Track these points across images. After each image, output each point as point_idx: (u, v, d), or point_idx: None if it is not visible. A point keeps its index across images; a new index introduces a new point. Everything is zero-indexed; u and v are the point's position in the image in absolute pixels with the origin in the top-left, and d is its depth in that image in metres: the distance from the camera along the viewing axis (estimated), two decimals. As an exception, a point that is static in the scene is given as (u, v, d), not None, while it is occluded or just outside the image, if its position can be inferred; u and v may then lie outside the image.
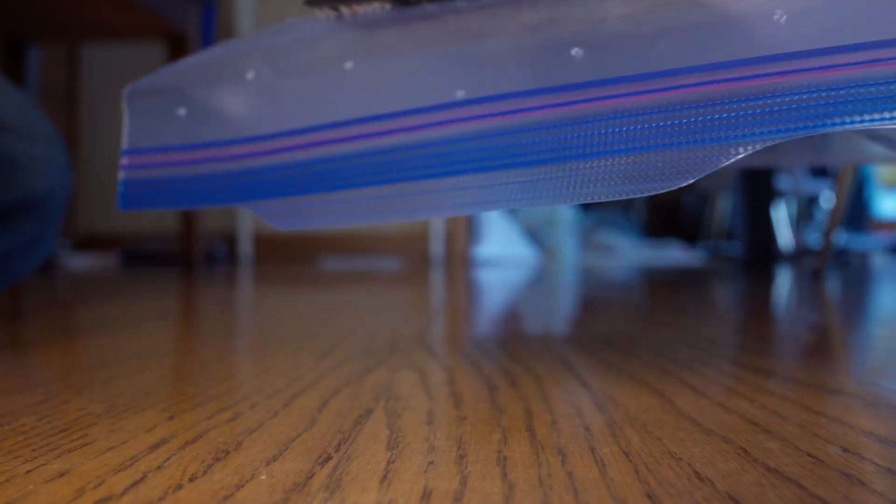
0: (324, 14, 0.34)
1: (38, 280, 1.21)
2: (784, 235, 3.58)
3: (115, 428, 0.24)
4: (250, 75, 0.34)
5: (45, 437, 0.23)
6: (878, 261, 2.19)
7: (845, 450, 0.21)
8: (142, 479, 0.19)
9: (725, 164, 0.22)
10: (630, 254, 2.99)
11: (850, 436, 0.23)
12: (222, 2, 2.37)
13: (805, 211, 4.20)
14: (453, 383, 0.32)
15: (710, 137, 0.22)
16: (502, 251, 2.39)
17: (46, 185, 0.46)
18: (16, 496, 0.18)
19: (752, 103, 0.22)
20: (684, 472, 0.19)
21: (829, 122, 0.21)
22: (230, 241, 2.32)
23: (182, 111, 0.35)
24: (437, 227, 2.34)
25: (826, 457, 0.21)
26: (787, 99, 0.22)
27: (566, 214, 2.74)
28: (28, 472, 0.19)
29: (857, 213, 4.77)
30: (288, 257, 2.34)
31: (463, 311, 0.68)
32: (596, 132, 0.24)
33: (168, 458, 0.21)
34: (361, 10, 0.32)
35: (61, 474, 0.19)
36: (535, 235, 2.71)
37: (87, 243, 2.28)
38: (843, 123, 0.21)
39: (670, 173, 0.23)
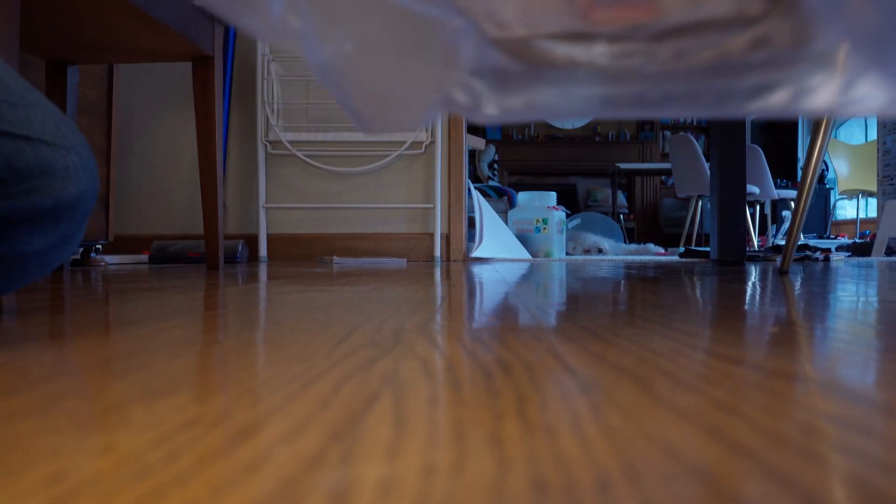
0: None
1: (77, 277, 1.21)
2: (754, 237, 3.58)
3: (150, 409, 0.24)
4: None
5: (89, 417, 0.23)
6: (839, 259, 2.19)
7: (804, 429, 0.22)
8: (175, 453, 0.19)
9: None
10: (615, 255, 2.99)
11: (808, 416, 0.23)
12: (243, 25, 2.36)
13: (773, 215, 4.19)
14: (453, 371, 0.32)
15: None
16: (498, 252, 2.39)
17: (78, 190, 0.47)
18: (64, 468, 0.18)
19: None
20: (660, 448, 0.20)
21: None
22: (249, 241, 2.33)
23: None
24: (439, 231, 2.34)
25: (787, 434, 0.21)
26: None
27: (556, 219, 2.74)
28: (75, 447, 0.20)
29: (822, 217, 4.78)
30: (302, 257, 2.35)
31: (462, 305, 0.68)
32: None
33: (198, 436, 0.21)
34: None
35: (104, 449, 0.20)
36: (528, 238, 2.71)
37: (119, 245, 2.29)
38: None
39: None
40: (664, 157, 5.90)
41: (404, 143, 2.32)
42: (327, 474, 0.18)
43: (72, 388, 0.28)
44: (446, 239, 2.36)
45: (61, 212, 0.47)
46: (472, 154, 3.74)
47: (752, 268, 1.59)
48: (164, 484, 0.17)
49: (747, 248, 2.88)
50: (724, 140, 1.82)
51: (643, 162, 5.85)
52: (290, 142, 2.33)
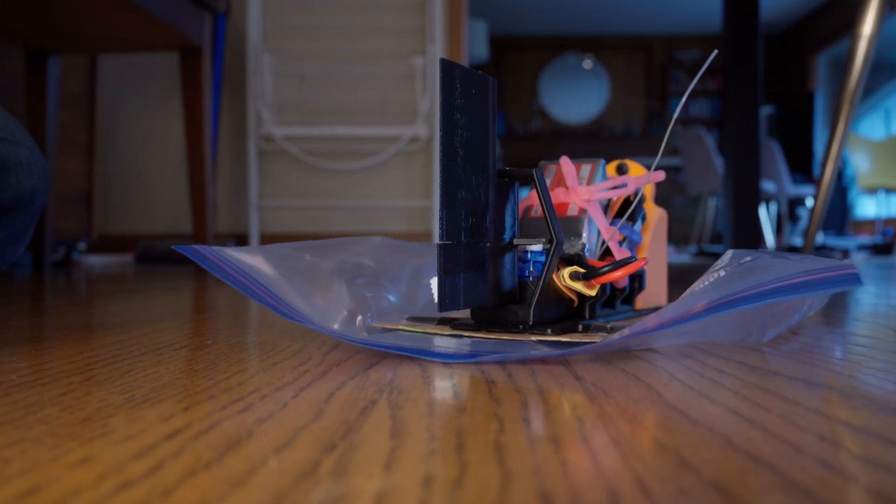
0: None
1: (58, 279, 1.21)
2: (769, 236, 3.57)
3: (133, 418, 0.24)
4: None
5: (68, 427, 0.23)
6: (858, 259, 2.19)
7: (822, 439, 0.22)
8: (159, 465, 0.19)
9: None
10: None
11: (827, 425, 0.23)
12: (232, 14, 2.37)
13: (790, 213, 4.19)
14: (453, 377, 0.32)
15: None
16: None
17: (32, 185, 0.50)
18: (41, 482, 0.18)
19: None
20: (671, 459, 0.20)
21: None
22: (240, 241, 2.33)
23: None
24: (437, 230, 2.33)
25: (804, 445, 0.21)
26: None
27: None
28: (52, 459, 0.20)
29: (840, 215, 4.78)
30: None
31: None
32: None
33: (184, 447, 0.21)
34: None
35: (83, 461, 0.19)
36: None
37: (103, 244, 2.28)
38: None
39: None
40: (674, 152, 5.90)
41: (401, 138, 2.32)
42: (321, 487, 0.17)
43: (50, 396, 0.28)
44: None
45: (18, 207, 0.49)
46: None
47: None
48: (147, 498, 0.17)
49: (762, 247, 2.88)
50: (738, 134, 1.81)
51: (652, 157, 5.85)
52: (283, 137, 2.33)
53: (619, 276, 0.40)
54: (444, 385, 0.30)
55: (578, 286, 0.41)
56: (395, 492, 0.17)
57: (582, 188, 0.45)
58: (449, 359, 0.35)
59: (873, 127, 5.39)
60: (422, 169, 2.37)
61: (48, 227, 1.55)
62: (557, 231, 0.40)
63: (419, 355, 0.36)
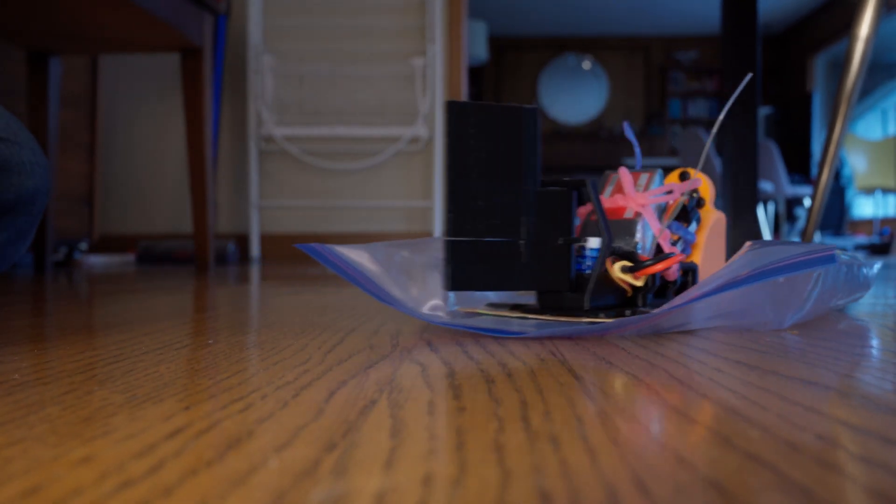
0: None
1: (60, 279, 1.21)
2: (767, 236, 3.57)
3: (135, 417, 0.24)
4: None
5: (69, 426, 0.23)
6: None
7: (820, 438, 0.22)
8: (160, 464, 0.19)
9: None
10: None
11: (825, 425, 0.23)
12: (232, 15, 2.37)
13: (787, 213, 4.19)
14: (453, 376, 0.32)
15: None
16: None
17: (34, 185, 0.50)
18: (42, 480, 0.18)
19: None
20: (669, 458, 0.20)
21: None
22: (241, 241, 2.32)
23: None
24: (439, 229, 2.33)
25: (803, 444, 0.21)
26: None
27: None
28: (54, 458, 0.20)
29: (838, 215, 4.78)
30: (296, 257, 2.34)
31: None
32: None
33: (185, 446, 0.21)
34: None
35: (85, 460, 0.19)
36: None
37: (104, 244, 2.28)
38: None
39: None
40: (673, 152, 5.89)
41: (401, 138, 2.32)
42: (321, 486, 0.17)
43: (51, 395, 0.28)
44: (446, 238, 2.35)
45: (21, 206, 0.50)
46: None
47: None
48: (148, 497, 0.17)
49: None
50: (736, 135, 1.82)
51: (651, 157, 5.85)
52: (284, 137, 2.33)
53: (660, 268, 0.47)
54: (444, 385, 0.30)
55: (628, 277, 0.47)
56: (395, 491, 0.17)
57: (637, 194, 0.51)
58: (520, 335, 0.43)
59: (871, 127, 5.39)
60: (421, 169, 2.37)
61: (50, 227, 1.55)
62: (608, 230, 0.47)
63: (496, 334, 0.44)
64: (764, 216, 3.52)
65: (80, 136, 1.85)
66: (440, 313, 0.50)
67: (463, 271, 0.45)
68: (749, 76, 0.52)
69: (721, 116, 0.53)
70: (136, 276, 1.29)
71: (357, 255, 0.48)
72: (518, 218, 0.46)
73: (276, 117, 2.35)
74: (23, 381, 0.31)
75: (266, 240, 2.35)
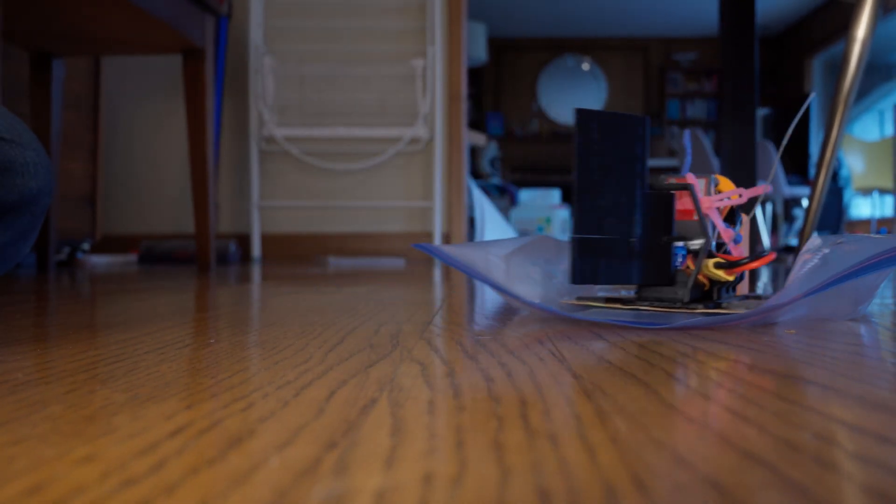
0: None
1: (62, 279, 1.21)
2: (765, 236, 3.57)
3: (137, 416, 0.24)
4: None
5: (72, 425, 0.23)
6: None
7: (817, 436, 0.22)
8: (162, 463, 0.19)
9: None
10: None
11: (822, 423, 0.23)
12: (234, 16, 2.37)
13: (785, 213, 4.19)
14: (453, 375, 0.32)
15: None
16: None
17: (38, 185, 0.51)
18: (45, 479, 0.18)
19: None
20: (668, 456, 0.20)
21: None
22: (242, 241, 2.32)
23: None
24: (438, 230, 2.33)
25: (800, 443, 0.21)
26: None
27: (559, 218, 2.74)
28: (56, 456, 0.20)
29: (835, 216, 4.78)
30: (297, 257, 2.34)
31: (462, 307, 0.68)
32: None
33: (186, 444, 0.21)
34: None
35: (87, 458, 0.19)
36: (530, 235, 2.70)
37: (106, 244, 2.28)
38: None
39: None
40: (671, 153, 5.89)
41: (401, 139, 2.32)
42: (322, 484, 0.17)
43: (54, 394, 0.28)
44: (446, 238, 2.35)
45: (24, 207, 0.50)
46: (473, 151, 3.74)
47: (763, 266, 1.59)
48: (150, 495, 0.17)
49: (759, 247, 2.88)
50: (734, 136, 1.82)
51: (651, 158, 5.85)
52: (285, 138, 2.33)
53: (757, 265, 0.50)
54: (444, 384, 0.30)
55: (721, 273, 0.51)
56: (395, 489, 0.17)
57: (706, 198, 0.54)
58: (639, 325, 0.47)
59: (868, 128, 5.39)
60: (422, 170, 2.37)
61: (53, 227, 1.55)
62: (707, 231, 0.51)
63: (640, 326, 0.47)
64: (762, 217, 3.52)
65: (82, 136, 1.85)
66: (554, 307, 0.54)
67: (588, 266, 0.48)
68: (813, 95, 0.57)
69: (788, 133, 0.60)
70: (138, 276, 1.29)
71: (470, 253, 0.53)
72: (632, 217, 0.50)
73: (277, 118, 2.35)
74: (25, 380, 0.31)
75: (267, 240, 2.35)
